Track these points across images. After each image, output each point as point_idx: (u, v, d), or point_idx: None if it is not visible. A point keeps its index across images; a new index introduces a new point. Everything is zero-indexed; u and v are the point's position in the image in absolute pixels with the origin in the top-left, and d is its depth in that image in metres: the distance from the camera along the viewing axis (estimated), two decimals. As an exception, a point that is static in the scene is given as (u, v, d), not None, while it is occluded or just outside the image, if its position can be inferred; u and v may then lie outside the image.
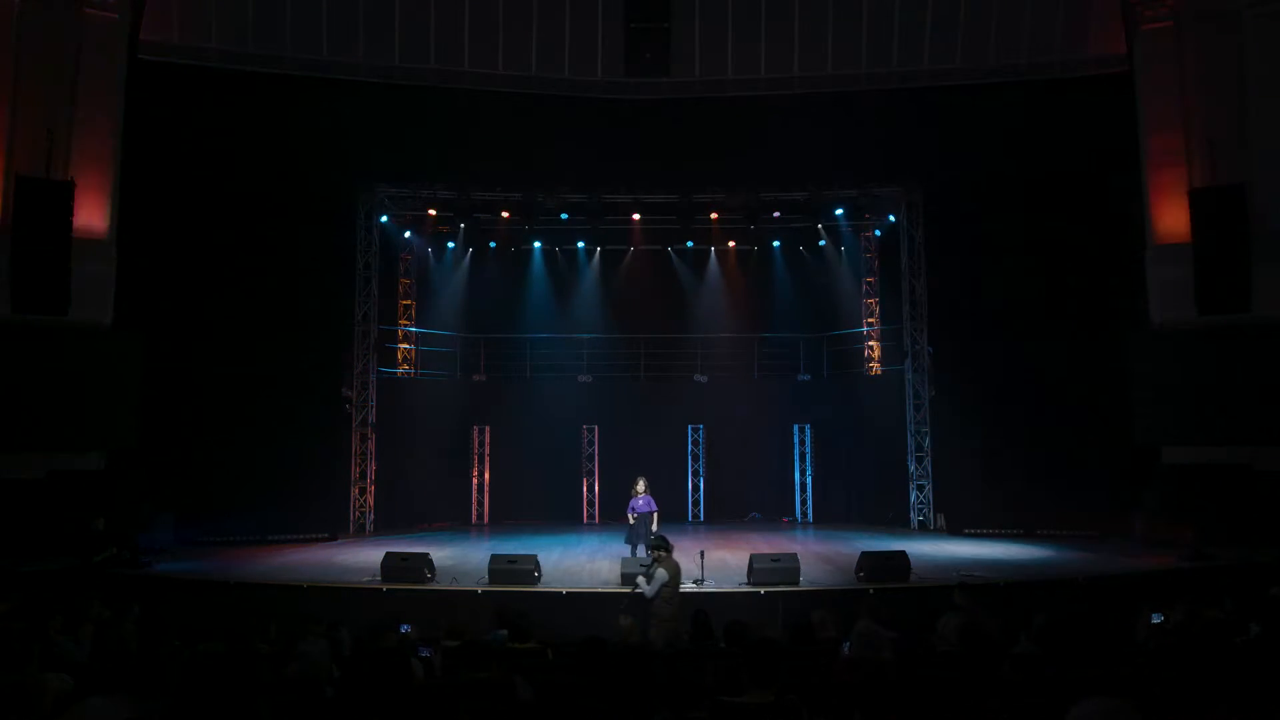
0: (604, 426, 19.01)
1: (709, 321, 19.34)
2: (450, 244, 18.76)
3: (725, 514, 18.72)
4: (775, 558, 11.01)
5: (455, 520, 18.17)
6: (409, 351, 18.70)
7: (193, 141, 14.29)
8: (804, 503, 18.84)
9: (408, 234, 18.38)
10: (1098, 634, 5.83)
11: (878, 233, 18.67)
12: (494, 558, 11.16)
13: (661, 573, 8.52)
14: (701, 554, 11.24)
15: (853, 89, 15.21)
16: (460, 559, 13.04)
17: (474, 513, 18.66)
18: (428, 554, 11.46)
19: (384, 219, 17.41)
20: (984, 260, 15.43)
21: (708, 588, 10.69)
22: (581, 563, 12.91)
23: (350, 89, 14.85)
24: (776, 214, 17.68)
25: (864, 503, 18.27)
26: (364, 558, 12.75)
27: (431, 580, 11.12)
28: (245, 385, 14.55)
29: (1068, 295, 14.87)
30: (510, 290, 19.22)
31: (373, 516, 16.73)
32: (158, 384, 13.43)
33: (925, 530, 16.47)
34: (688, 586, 10.66)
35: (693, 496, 18.89)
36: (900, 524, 17.00)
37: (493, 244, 18.89)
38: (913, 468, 17.01)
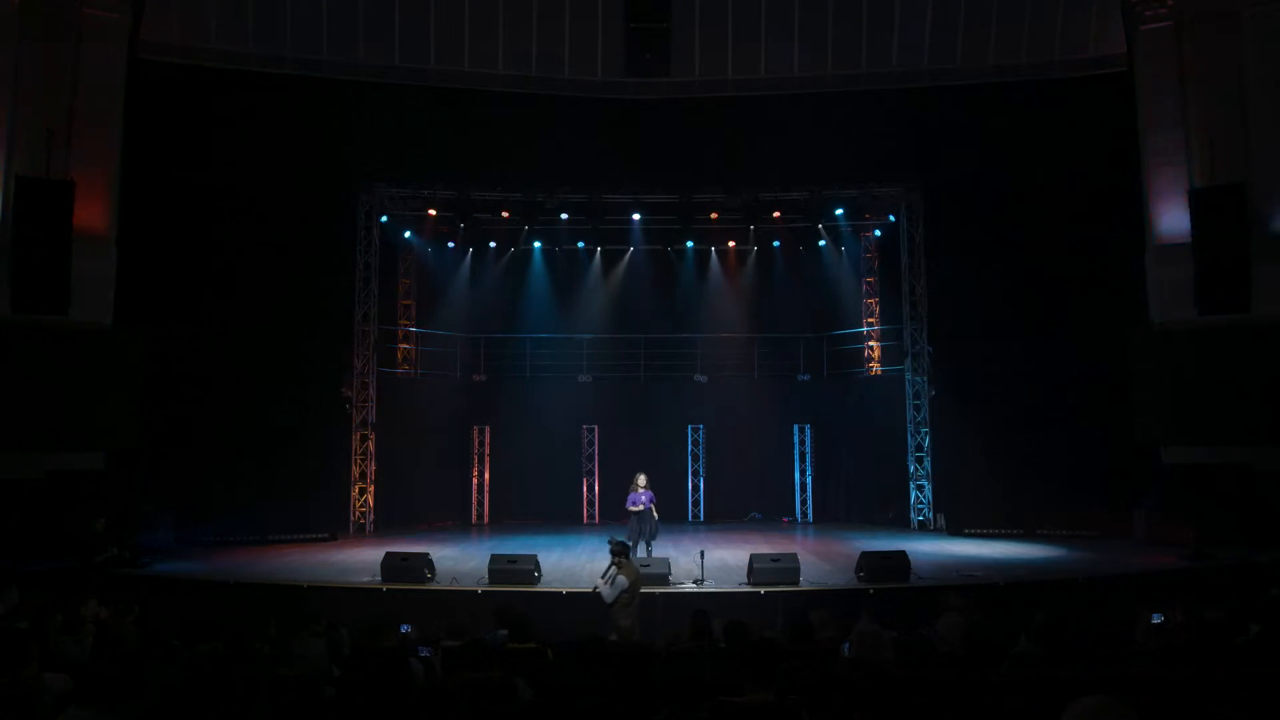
0: (604, 426, 19.01)
1: (709, 321, 19.34)
2: (450, 244, 18.77)
3: (725, 514, 18.72)
4: (775, 558, 11.00)
5: (455, 520, 18.17)
6: (409, 351, 18.71)
7: (192, 141, 14.29)
8: (804, 503, 18.84)
9: (408, 234, 18.38)
10: (1098, 634, 5.85)
11: (878, 233, 18.67)
12: (494, 558, 11.16)
13: (621, 579, 8.52)
14: (701, 554, 11.25)
15: (853, 89, 15.22)
16: (460, 559, 13.04)
17: (474, 513, 18.67)
18: (428, 554, 11.45)
19: (384, 219, 17.41)
20: (984, 260, 15.41)
21: (708, 588, 10.69)
22: (581, 563, 12.90)
23: (350, 89, 14.86)
24: (776, 214, 17.68)
25: (864, 503, 18.27)
26: (364, 558, 12.75)
27: (431, 580, 11.11)
28: (245, 385, 14.55)
29: (1068, 295, 14.85)
30: (510, 290, 19.25)
31: (373, 516, 16.73)
32: (158, 384, 13.42)
33: (925, 530, 16.46)
34: (687, 586, 10.70)
35: (693, 496, 18.89)
36: (900, 524, 17.00)
37: (493, 244, 18.92)
38: (913, 468, 17.01)
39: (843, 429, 18.66)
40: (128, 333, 13.18)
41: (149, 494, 13.88)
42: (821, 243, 18.62)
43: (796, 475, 18.92)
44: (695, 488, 18.93)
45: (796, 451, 18.94)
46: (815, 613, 7.19)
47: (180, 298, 14.31)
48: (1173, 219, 13.48)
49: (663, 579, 10.74)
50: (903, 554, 11.26)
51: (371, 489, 16.80)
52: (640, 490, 13.16)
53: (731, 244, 19.03)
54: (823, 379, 19.27)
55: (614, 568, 8.70)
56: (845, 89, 15.23)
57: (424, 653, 6.32)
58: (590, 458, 19.00)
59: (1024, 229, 14.90)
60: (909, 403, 17.22)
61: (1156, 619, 6.94)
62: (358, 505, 16.70)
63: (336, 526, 15.74)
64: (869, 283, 19.18)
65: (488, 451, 18.86)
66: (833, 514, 18.59)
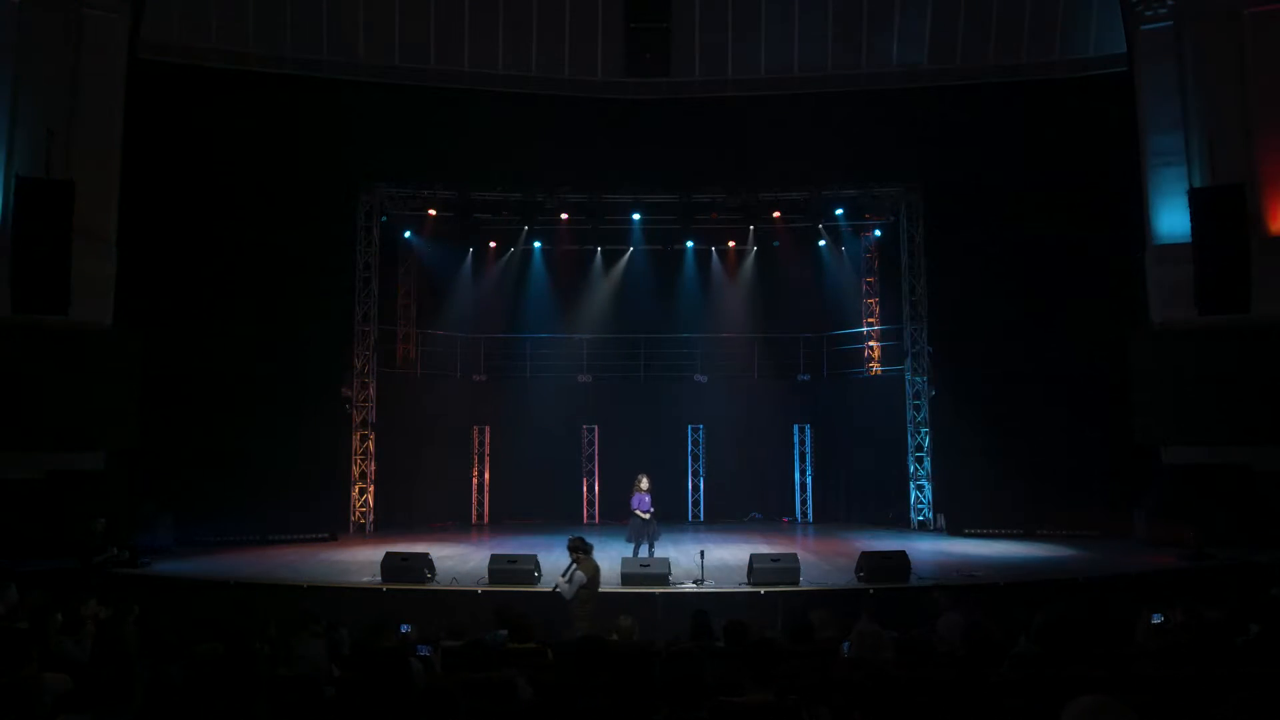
0: (604, 426, 19.01)
1: (709, 321, 19.34)
2: (450, 243, 18.77)
3: (725, 514, 18.72)
4: (775, 558, 11.01)
5: (455, 520, 18.16)
6: (409, 351, 18.72)
7: (193, 141, 14.29)
8: (804, 503, 18.84)
9: (408, 234, 18.38)
10: (1098, 634, 5.84)
11: (878, 233, 18.67)
12: (494, 558, 11.16)
13: (580, 575, 8.51)
14: (701, 554, 11.25)
15: (852, 89, 15.23)
16: (460, 559, 13.04)
17: (474, 513, 18.66)
18: (428, 554, 11.45)
19: (384, 219, 17.41)
20: (984, 260, 15.41)
21: (708, 588, 10.69)
22: (581, 563, 12.90)
23: (350, 89, 14.88)
24: (776, 214, 17.68)
25: (864, 503, 18.26)
26: (364, 558, 12.75)
27: (431, 580, 11.11)
28: (245, 385, 14.54)
29: (1068, 295, 14.85)
30: (510, 290, 19.25)
31: (373, 516, 16.73)
32: (158, 384, 13.43)
33: (925, 530, 16.46)
34: (687, 586, 10.70)
35: (693, 496, 18.88)
36: (900, 524, 16.99)
37: (493, 244, 18.92)
38: (913, 468, 17.01)
39: (843, 429, 18.66)
40: (128, 333, 13.18)
41: (149, 494, 13.87)
42: (821, 243, 18.62)
43: (796, 475, 18.92)
44: (695, 488, 18.93)
45: (796, 452, 18.94)
46: (815, 613, 7.19)
47: (180, 298, 14.30)
48: (1173, 219, 13.48)
49: (663, 579, 10.75)
50: (903, 554, 11.25)
51: (371, 489, 16.80)
52: (644, 492, 13.17)
53: (731, 244, 19.03)
54: (823, 379, 19.27)
55: (573, 565, 8.68)
56: (845, 89, 15.25)
57: (424, 652, 6.32)
58: (590, 458, 19.00)
59: (1024, 229, 14.89)
60: (909, 403, 17.22)
61: (1156, 619, 6.94)
62: (358, 505, 16.69)
63: (336, 526, 15.74)
64: (869, 283, 19.17)
65: (488, 451, 18.85)
66: (833, 514, 18.58)
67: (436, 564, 11.50)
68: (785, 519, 18.72)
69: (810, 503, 18.81)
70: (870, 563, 11.04)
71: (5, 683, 4.27)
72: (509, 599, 9.87)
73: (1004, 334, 15.28)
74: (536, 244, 18.87)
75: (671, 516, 15.42)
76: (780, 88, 15.30)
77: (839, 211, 17.75)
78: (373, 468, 16.81)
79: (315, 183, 15.17)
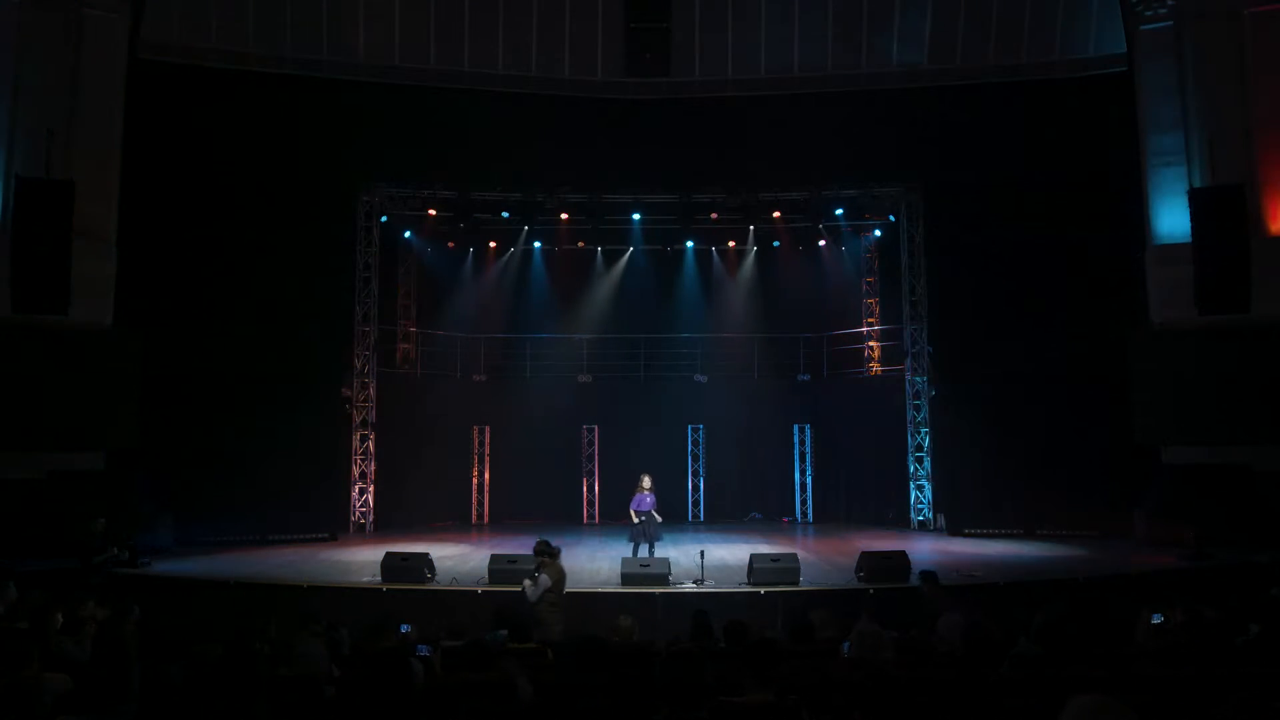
0: (604, 426, 19.01)
1: (709, 321, 19.34)
2: (450, 243, 18.77)
3: (725, 514, 18.73)
4: (775, 558, 11.01)
5: (455, 520, 18.17)
6: (409, 351, 18.72)
7: (193, 141, 14.29)
8: (804, 503, 18.84)
9: (408, 234, 18.38)
10: (1098, 634, 5.85)
11: (878, 232, 18.67)
12: (494, 558, 11.15)
13: (544, 578, 8.50)
14: (701, 554, 11.25)
15: (852, 89, 15.23)
16: (460, 559, 13.05)
17: (474, 513, 18.66)
18: (428, 554, 11.45)
19: (384, 219, 17.41)
20: (984, 260, 15.40)
21: (708, 588, 10.69)
22: (581, 563, 12.89)
23: (350, 89, 14.87)
24: (776, 214, 17.68)
25: (864, 503, 18.26)
26: (364, 558, 12.75)
27: (431, 580, 11.11)
28: (245, 385, 14.53)
29: (1068, 295, 14.85)
30: (510, 290, 19.25)
31: (373, 516, 16.73)
32: (158, 384, 13.42)
33: (925, 530, 16.46)
34: (687, 586, 10.69)
35: (693, 496, 18.89)
36: (900, 524, 17.00)
37: (493, 244, 18.92)
38: (913, 468, 17.00)
39: (843, 429, 18.65)
40: (128, 333, 13.18)
41: (149, 494, 13.86)
42: (821, 243, 18.63)
43: (796, 475, 18.92)
44: (695, 488, 18.93)
45: (796, 451, 18.94)
46: (815, 613, 7.18)
47: (180, 298, 14.29)
48: (1173, 219, 13.48)
49: (663, 579, 10.75)
50: (903, 554, 11.25)
51: (371, 489, 16.80)
52: (645, 492, 13.17)
53: (731, 244, 19.03)
54: (823, 379, 19.27)
55: (538, 568, 8.66)
56: (845, 89, 15.24)
57: (423, 652, 6.32)
58: (590, 458, 19.00)
59: (1024, 229, 14.88)
60: (909, 403, 17.22)
61: (1156, 619, 6.93)
62: (358, 505, 16.69)
63: (336, 526, 15.74)
64: (869, 283, 19.17)
65: (488, 451, 18.85)
66: (833, 514, 18.58)
67: (436, 564, 11.50)
68: (785, 519, 18.72)
69: (810, 503, 18.81)
70: (870, 563, 11.04)
71: (5, 683, 4.27)
72: (509, 599, 9.86)
73: (1004, 334, 15.28)
74: (536, 244, 18.87)
75: (671, 516, 15.41)
76: (780, 88, 15.30)
77: (839, 211, 17.74)
78: (373, 468, 16.81)
79: (315, 183, 15.17)
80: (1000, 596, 10.25)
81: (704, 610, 7.32)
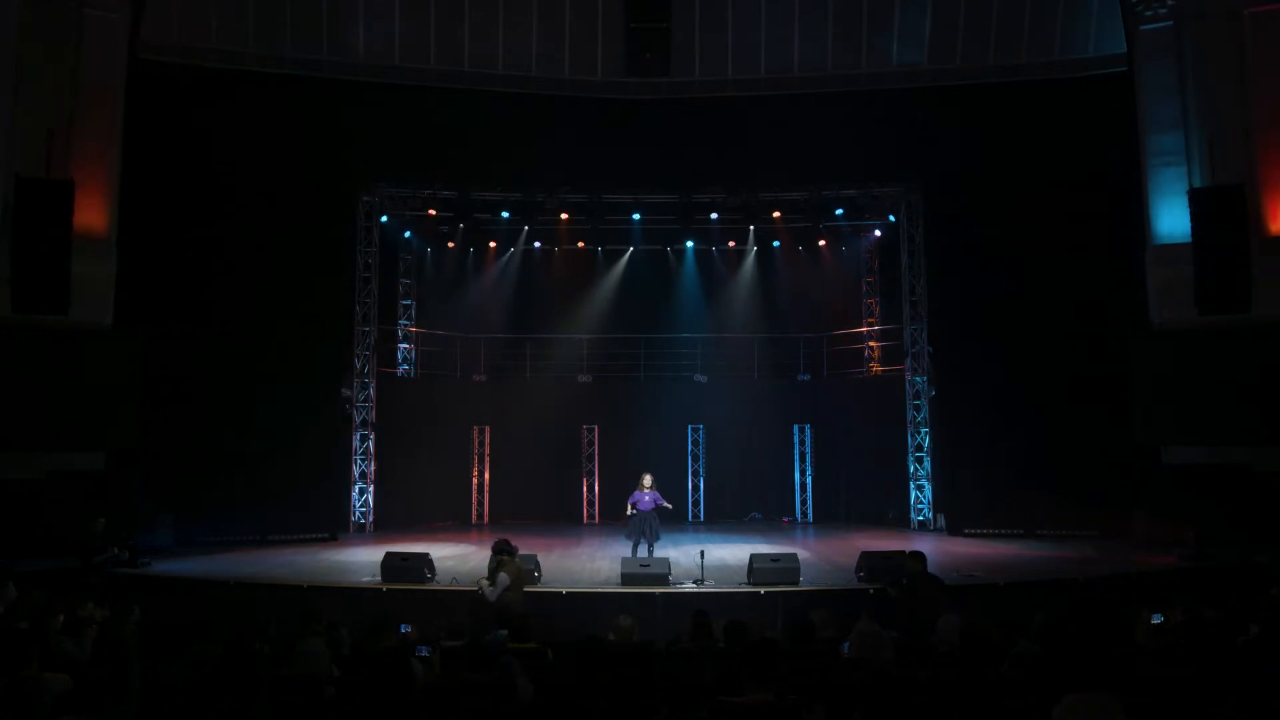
0: (604, 426, 19.01)
1: (709, 321, 19.34)
2: (450, 243, 18.77)
3: (725, 514, 18.72)
4: (775, 558, 11.00)
5: (455, 520, 18.16)
6: (409, 351, 18.72)
7: (192, 141, 14.29)
8: (804, 503, 18.84)
9: (408, 234, 18.38)
10: (1098, 634, 5.84)
11: (878, 233, 18.66)
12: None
13: (503, 576, 8.53)
14: (701, 554, 11.24)
15: (852, 89, 15.23)
16: (460, 559, 13.04)
17: (474, 513, 18.66)
18: (428, 554, 11.45)
19: (384, 219, 17.40)
20: (984, 260, 15.39)
21: (708, 588, 10.69)
22: (581, 563, 12.91)
23: (350, 89, 14.88)
24: (776, 214, 17.67)
25: (864, 503, 18.25)
26: (364, 558, 12.74)
27: (431, 580, 11.11)
28: (245, 385, 14.53)
29: (1068, 295, 14.84)
30: (510, 290, 19.23)
31: (373, 516, 16.73)
32: (158, 384, 13.42)
33: (925, 530, 16.46)
34: (687, 586, 10.69)
35: (693, 496, 18.88)
36: (900, 524, 16.99)
37: (493, 244, 18.91)
38: (913, 468, 17.00)
39: (843, 429, 18.65)
40: (128, 333, 13.18)
41: (149, 494, 13.85)
42: (821, 243, 18.62)
43: (796, 475, 18.92)
44: (695, 488, 18.93)
45: (796, 451, 18.94)
46: (815, 613, 7.19)
47: (180, 298, 14.29)
48: (1173, 219, 13.48)
49: (663, 579, 10.74)
50: (903, 554, 11.23)
51: (371, 489, 16.79)
52: (645, 490, 13.16)
53: (731, 244, 19.02)
54: (823, 379, 19.27)
55: (496, 567, 8.69)
56: (845, 89, 15.25)
57: (423, 652, 6.33)
58: (590, 458, 19.00)
59: (1024, 229, 14.87)
60: (909, 403, 17.22)
61: (1156, 619, 6.93)
62: (357, 505, 16.69)
63: (336, 526, 15.73)
64: (869, 283, 19.17)
65: (488, 451, 18.85)
66: (833, 514, 18.58)
67: (436, 564, 11.50)
68: (785, 519, 18.72)
69: (810, 503, 18.81)
70: (870, 563, 11.03)
71: (5, 683, 4.27)
72: (508, 600, 9.86)
73: (1004, 334, 15.28)
74: (536, 244, 18.87)
75: (672, 516, 15.40)
76: (780, 88, 15.31)
77: (839, 211, 17.72)
78: (373, 468, 16.81)
79: (315, 183, 15.15)
80: (1000, 596, 10.25)
81: (704, 610, 7.31)
